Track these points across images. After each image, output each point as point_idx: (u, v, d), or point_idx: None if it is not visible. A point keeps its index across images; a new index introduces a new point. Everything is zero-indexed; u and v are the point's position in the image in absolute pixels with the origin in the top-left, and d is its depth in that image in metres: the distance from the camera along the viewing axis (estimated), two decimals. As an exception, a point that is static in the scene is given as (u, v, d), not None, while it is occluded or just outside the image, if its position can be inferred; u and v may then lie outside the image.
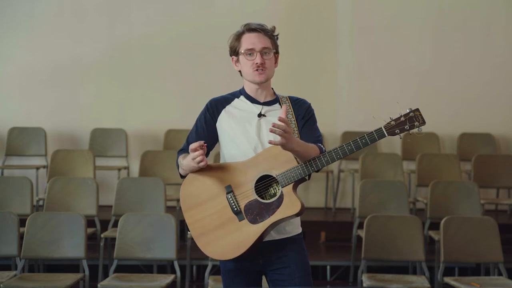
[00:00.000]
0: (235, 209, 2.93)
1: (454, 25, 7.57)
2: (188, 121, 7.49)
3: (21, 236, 5.00)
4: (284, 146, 2.82)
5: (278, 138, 2.82)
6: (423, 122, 2.88)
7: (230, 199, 2.94)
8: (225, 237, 2.93)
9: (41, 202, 6.46)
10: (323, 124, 7.64)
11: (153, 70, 7.59)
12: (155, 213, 5.38)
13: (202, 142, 2.91)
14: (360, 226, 5.63)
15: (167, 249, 4.91)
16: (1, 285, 4.57)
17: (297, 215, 2.92)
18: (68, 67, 7.55)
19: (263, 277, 3.15)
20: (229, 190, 2.95)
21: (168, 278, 4.85)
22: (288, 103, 3.11)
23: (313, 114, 3.14)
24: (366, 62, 7.61)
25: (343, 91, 7.59)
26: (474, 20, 7.56)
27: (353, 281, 5.98)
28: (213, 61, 7.48)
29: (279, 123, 2.80)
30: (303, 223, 3.17)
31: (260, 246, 2.96)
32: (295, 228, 3.07)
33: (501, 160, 6.98)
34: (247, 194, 2.93)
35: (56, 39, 7.56)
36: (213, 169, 3.01)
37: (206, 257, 5.05)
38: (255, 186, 2.93)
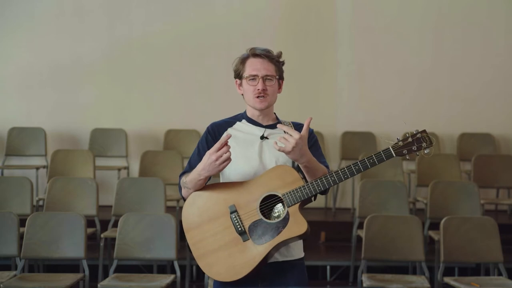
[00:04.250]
0: (240, 229, 2.86)
1: (454, 25, 7.58)
2: (188, 121, 7.58)
3: (21, 236, 5.00)
4: (294, 153, 2.80)
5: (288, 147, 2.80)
6: (431, 143, 2.87)
7: (234, 219, 2.87)
8: (229, 258, 2.86)
9: (41, 202, 6.46)
10: (323, 124, 7.66)
11: (153, 70, 7.59)
12: (155, 213, 5.38)
13: (228, 136, 2.86)
14: (360, 226, 5.63)
15: (167, 249, 4.90)
16: (1, 285, 4.57)
17: (302, 236, 2.86)
18: (68, 67, 7.55)
19: None
20: (233, 210, 2.88)
21: (168, 278, 4.85)
22: (291, 127, 3.03)
23: (317, 140, 3.09)
24: (366, 62, 7.60)
25: (343, 91, 7.59)
26: (474, 20, 7.56)
27: (353, 281, 5.98)
28: (213, 61, 7.48)
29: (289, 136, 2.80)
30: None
31: (261, 270, 2.89)
32: (298, 251, 3.00)
33: (501, 160, 6.97)
34: (252, 214, 2.86)
35: (56, 39, 7.56)
36: (217, 188, 2.96)
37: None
38: (260, 206, 2.87)
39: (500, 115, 7.54)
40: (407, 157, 2.92)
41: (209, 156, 2.85)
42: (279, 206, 2.89)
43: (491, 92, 7.56)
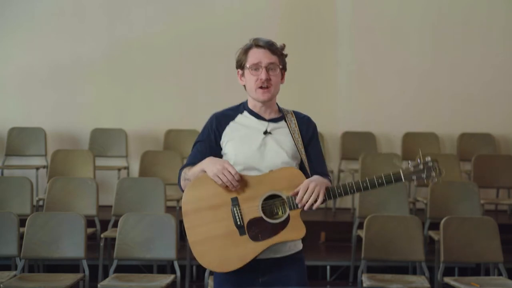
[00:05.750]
0: (239, 223, 2.84)
1: (454, 25, 7.58)
2: (188, 121, 7.57)
3: (21, 236, 5.00)
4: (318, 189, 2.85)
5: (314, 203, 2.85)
6: (440, 174, 2.92)
7: (235, 211, 2.84)
8: (223, 249, 2.84)
9: (41, 202, 6.46)
10: (323, 124, 7.62)
11: (153, 70, 7.59)
12: (155, 213, 5.38)
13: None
14: (360, 226, 5.62)
15: (167, 249, 4.90)
16: (1, 285, 4.57)
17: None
18: (68, 67, 7.54)
19: None
20: (235, 202, 2.85)
21: (168, 278, 4.85)
22: (294, 119, 3.03)
23: (316, 127, 3.10)
24: (366, 62, 7.60)
25: (343, 91, 7.59)
26: (474, 20, 7.56)
27: (353, 281, 5.97)
28: (213, 61, 7.48)
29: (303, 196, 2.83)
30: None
31: (261, 265, 2.91)
32: (297, 245, 3.00)
33: (501, 160, 6.97)
34: (253, 210, 2.84)
35: (56, 39, 7.56)
36: None
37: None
38: (262, 204, 2.86)
39: (500, 115, 7.54)
40: (414, 183, 3.02)
41: (223, 166, 2.83)
42: (280, 207, 2.87)
43: (491, 92, 7.55)
